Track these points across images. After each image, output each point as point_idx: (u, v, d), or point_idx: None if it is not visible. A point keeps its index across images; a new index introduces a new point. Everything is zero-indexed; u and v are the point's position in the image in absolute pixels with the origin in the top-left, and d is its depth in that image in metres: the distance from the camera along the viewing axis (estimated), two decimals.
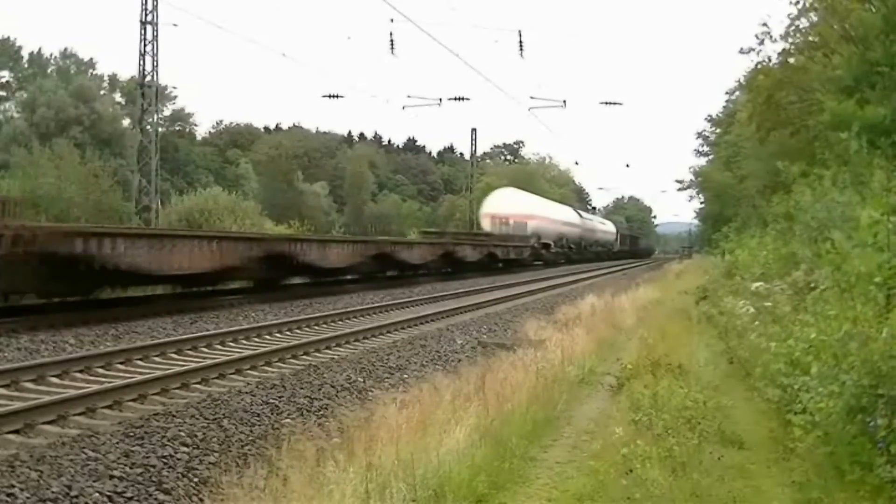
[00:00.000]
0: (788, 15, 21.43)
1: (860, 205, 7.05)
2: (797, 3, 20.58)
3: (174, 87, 61.98)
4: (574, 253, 54.16)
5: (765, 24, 21.91)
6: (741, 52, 23.04)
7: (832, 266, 6.04)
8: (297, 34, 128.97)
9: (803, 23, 21.24)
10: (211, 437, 6.01)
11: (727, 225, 20.29)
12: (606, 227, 71.98)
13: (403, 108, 45.25)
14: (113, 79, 63.01)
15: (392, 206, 68.65)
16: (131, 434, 5.87)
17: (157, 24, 29.55)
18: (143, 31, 29.49)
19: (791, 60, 21.72)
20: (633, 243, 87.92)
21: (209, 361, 9.02)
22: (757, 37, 22.22)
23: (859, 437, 4.20)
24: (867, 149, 9.92)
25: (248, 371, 8.90)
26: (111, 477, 4.98)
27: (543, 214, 46.98)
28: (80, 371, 8.26)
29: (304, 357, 10.01)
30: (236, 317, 13.44)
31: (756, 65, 22.80)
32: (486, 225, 44.19)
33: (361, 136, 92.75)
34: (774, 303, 8.44)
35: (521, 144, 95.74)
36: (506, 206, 45.21)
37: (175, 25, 44.97)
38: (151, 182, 31.44)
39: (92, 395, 6.99)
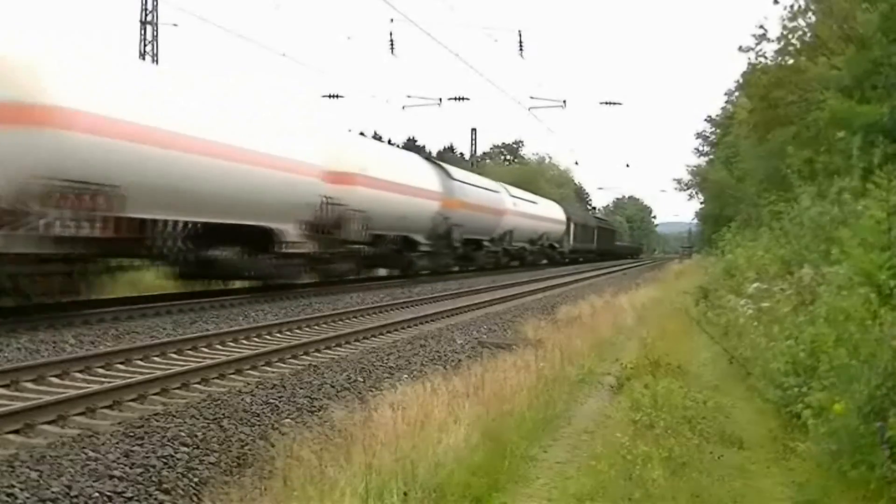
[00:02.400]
0: (782, 17, 21.46)
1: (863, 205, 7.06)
2: (792, 5, 20.62)
3: None
4: (443, 257, 27.10)
5: (761, 27, 21.96)
6: (740, 49, 23.09)
7: (846, 265, 6.01)
8: (297, 34, 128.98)
9: (800, 23, 21.26)
10: (211, 437, 6.01)
11: (727, 225, 20.30)
12: (541, 210, 42.56)
13: (403, 108, 45.06)
14: None
15: None
16: (131, 434, 5.86)
17: (157, 24, 29.55)
18: (143, 31, 29.48)
19: (790, 61, 21.75)
20: (603, 240, 62.83)
21: (209, 361, 9.01)
22: (754, 37, 22.26)
23: (867, 437, 4.20)
24: (867, 148, 9.94)
25: (248, 371, 8.90)
26: (111, 477, 4.98)
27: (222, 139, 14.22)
28: (80, 371, 8.25)
29: (304, 357, 10.00)
30: (236, 317, 13.44)
31: (754, 63, 22.84)
32: None
33: (361, 135, 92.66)
34: (774, 303, 8.45)
35: (520, 144, 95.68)
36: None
37: (175, 25, 44.93)
38: None
39: (92, 395, 6.98)
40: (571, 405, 7.59)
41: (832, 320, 5.33)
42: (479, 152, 66.95)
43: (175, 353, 9.61)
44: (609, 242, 66.15)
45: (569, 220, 48.76)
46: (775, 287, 9.03)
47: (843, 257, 5.91)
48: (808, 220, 9.96)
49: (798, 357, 5.80)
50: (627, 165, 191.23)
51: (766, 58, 22.41)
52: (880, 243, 4.97)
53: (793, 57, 21.74)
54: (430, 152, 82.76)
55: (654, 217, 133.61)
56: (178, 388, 7.78)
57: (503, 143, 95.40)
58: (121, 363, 8.79)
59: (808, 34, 21.02)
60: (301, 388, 7.93)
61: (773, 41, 21.87)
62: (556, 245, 46.31)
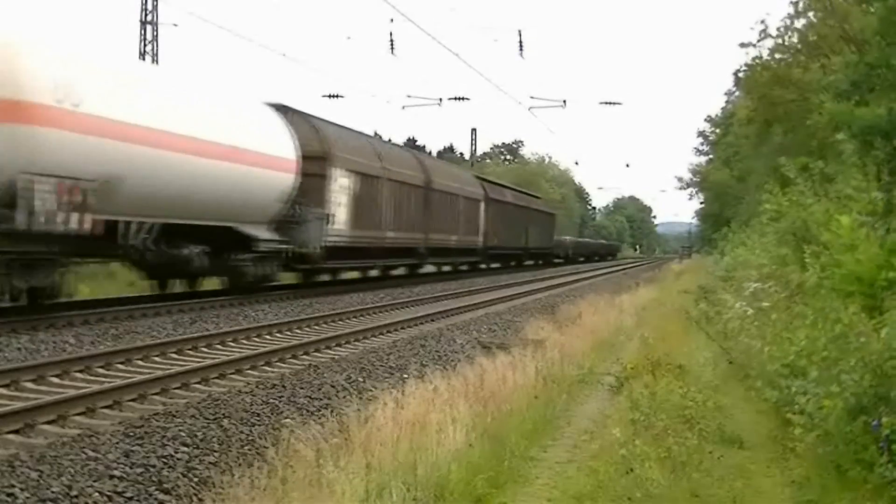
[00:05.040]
0: (788, 15, 21.50)
1: (843, 208, 7.08)
2: (795, 2, 20.66)
3: None
4: None
5: (762, 22, 22.02)
6: (741, 45, 23.15)
7: (819, 268, 6.06)
8: (297, 34, 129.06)
9: (800, 22, 21.32)
10: (211, 436, 6.01)
11: (727, 225, 20.35)
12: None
13: (403, 108, 44.87)
14: None
15: None
16: (131, 434, 5.87)
17: (157, 24, 29.51)
18: (143, 31, 29.44)
19: (789, 59, 21.81)
20: (515, 230, 35.97)
21: (209, 361, 9.01)
22: (757, 32, 22.31)
23: (861, 437, 4.21)
24: (861, 151, 9.92)
25: (248, 371, 8.90)
26: (111, 477, 4.98)
27: None
28: (80, 371, 8.25)
29: (304, 357, 10.00)
30: (236, 317, 13.43)
31: (753, 60, 22.89)
32: None
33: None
34: (771, 303, 8.46)
35: (520, 144, 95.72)
36: None
37: (175, 25, 44.93)
38: None
39: (92, 395, 6.98)
40: (571, 405, 7.60)
41: (821, 322, 5.34)
42: (479, 152, 66.92)
43: (175, 353, 9.61)
44: (535, 235, 38.70)
45: (326, 159, 18.40)
46: (770, 288, 9.04)
47: (828, 262, 5.93)
48: (794, 222, 9.95)
49: (791, 359, 5.81)
50: (627, 165, 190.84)
51: (762, 56, 22.50)
52: (861, 246, 4.99)
53: (792, 55, 21.79)
54: (430, 152, 79.99)
55: (654, 217, 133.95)
56: (178, 388, 7.77)
57: (503, 143, 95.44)
58: (121, 363, 8.79)
59: (809, 33, 21.07)
60: (301, 388, 7.93)
61: (774, 37, 21.94)
62: (257, 234, 15.90)
